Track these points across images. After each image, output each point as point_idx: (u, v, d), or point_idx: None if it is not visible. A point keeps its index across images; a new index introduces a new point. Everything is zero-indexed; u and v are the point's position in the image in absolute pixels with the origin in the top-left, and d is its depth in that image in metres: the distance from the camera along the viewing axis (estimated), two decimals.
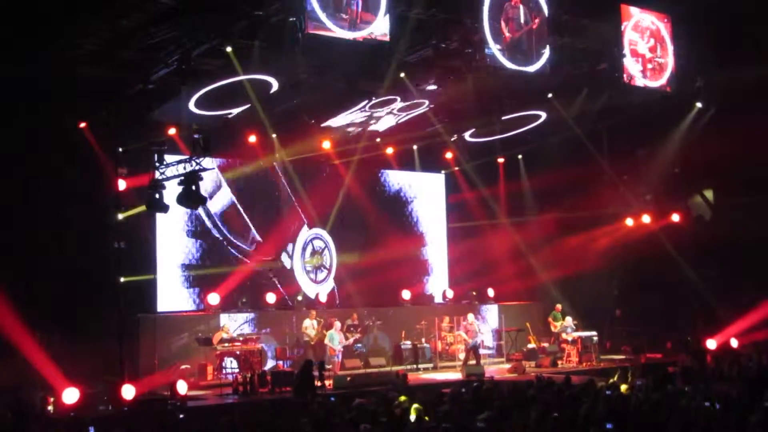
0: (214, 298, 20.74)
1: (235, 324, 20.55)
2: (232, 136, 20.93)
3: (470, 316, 21.77)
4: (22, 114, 16.91)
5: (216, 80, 17.40)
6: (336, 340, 20.01)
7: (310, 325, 20.66)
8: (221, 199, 22.36)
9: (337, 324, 20.38)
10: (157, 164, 17.04)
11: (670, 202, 24.84)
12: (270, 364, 20.42)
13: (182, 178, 16.40)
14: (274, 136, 21.76)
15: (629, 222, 24.74)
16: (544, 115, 22.16)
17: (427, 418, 11.16)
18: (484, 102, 21.13)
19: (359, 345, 21.48)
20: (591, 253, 24.79)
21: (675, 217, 24.39)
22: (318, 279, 24.06)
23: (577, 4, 18.61)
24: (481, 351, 21.70)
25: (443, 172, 27.11)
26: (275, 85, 17.90)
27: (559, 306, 23.37)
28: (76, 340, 16.86)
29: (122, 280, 17.95)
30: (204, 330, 20.05)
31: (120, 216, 18.01)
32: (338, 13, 15.27)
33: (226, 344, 19.30)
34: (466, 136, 24.36)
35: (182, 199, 16.48)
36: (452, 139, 24.59)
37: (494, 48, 17.32)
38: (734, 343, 21.22)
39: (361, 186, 24.69)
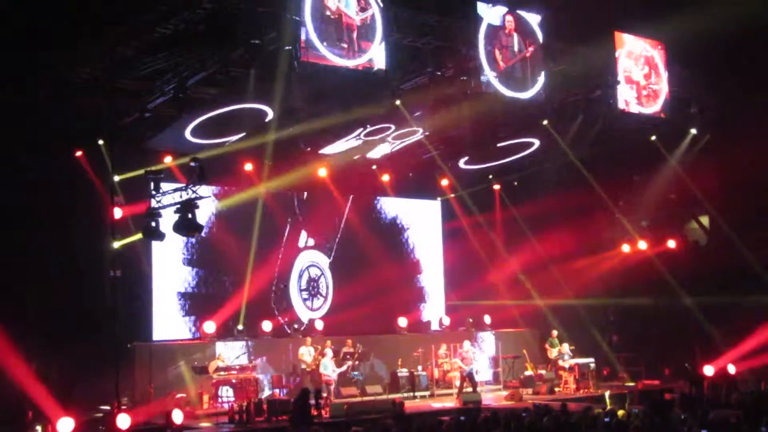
0: (209, 326, 20.66)
1: (231, 352, 20.46)
2: (228, 164, 20.93)
3: (466, 344, 21.63)
4: (17, 141, 16.88)
5: (212, 109, 17.44)
6: (329, 368, 19.83)
7: (306, 352, 20.53)
8: None
9: (328, 351, 20.16)
10: (154, 192, 16.99)
11: (666, 228, 24.89)
12: (266, 392, 20.30)
13: (179, 206, 16.39)
14: (269, 164, 21.77)
15: (625, 248, 24.75)
16: (537, 143, 22.23)
17: None
18: (480, 129, 21.19)
19: (356, 373, 21.33)
20: (587, 279, 24.77)
21: (671, 243, 24.43)
22: (314, 306, 23.98)
23: (571, 32, 18.76)
24: (477, 378, 21.58)
25: (439, 199, 27.11)
26: (270, 114, 17.95)
27: (554, 332, 23.22)
28: (72, 369, 16.77)
29: (118, 308, 17.87)
30: (200, 358, 19.91)
31: (116, 244, 17.96)
32: (337, 42, 15.38)
33: (222, 373, 19.22)
34: (461, 163, 24.40)
35: (179, 227, 16.45)
36: (447, 167, 24.62)
37: (489, 75, 17.44)
38: (732, 369, 21.12)
39: (356, 213, 24.69)
